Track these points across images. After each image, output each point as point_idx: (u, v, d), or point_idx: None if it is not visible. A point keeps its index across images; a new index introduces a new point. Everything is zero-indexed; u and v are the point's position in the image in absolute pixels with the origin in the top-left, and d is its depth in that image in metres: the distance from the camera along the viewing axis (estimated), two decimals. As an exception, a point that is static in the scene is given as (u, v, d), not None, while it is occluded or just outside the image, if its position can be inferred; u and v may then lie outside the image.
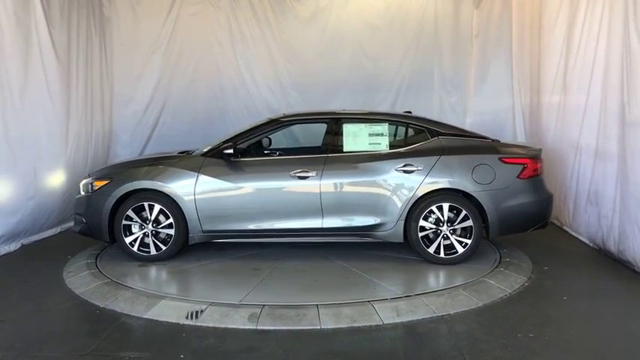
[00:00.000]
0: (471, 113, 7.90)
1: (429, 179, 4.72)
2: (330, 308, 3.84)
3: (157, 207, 4.86)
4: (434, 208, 4.72)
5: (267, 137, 5.70)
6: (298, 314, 3.77)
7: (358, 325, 3.67)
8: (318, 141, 5.18)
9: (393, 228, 4.78)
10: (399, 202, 4.73)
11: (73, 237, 5.50)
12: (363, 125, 5.01)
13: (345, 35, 7.82)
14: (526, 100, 7.36)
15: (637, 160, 4.53)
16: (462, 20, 7.83)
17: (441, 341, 3.46)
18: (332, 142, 5.01)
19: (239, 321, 3.71)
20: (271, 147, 5.91)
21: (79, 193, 5.16)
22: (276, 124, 5.20)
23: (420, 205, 4.73)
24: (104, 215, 4.87)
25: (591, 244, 5.49)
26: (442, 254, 4.75)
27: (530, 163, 4.79)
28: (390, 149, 4.91)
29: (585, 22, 5.54)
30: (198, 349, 3.38)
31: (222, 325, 3.67)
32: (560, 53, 6.15)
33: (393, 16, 7.81)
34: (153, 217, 4.88)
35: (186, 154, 5.19)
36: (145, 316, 3.84)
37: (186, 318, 3.76)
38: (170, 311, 3.87)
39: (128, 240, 4.92)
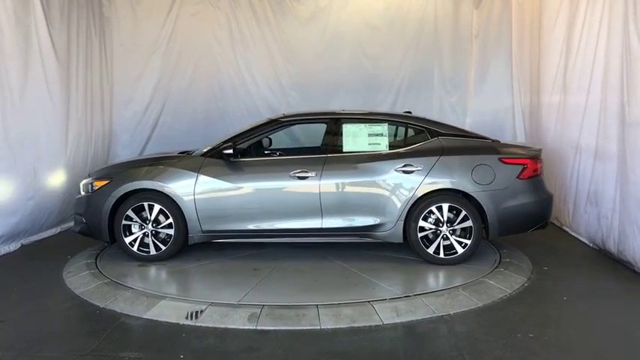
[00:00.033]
0: (471, 113, 7.90)
1: (428, 179, 4.72)
2: (329, 308, 3.84)
3: (157, 207, 4.86)
4: (433, 208, 4.72)
5: (267, 137, 5.70)
6: (298, 314, 3.77)
7: (358, 325, 3.67)
8: (319, 141, 5.17)
9: (393, 228, 4.78)
10: (399, 203, 4.73)
11: (73, 237, 5.51)
12: (362, 125, 5.01)
13: (345, 35, 7.82)
14: (526, 100, 7.36)
15: (637, 160, 4.53)
16: (461, 20, 7.83)
17: (441, 341, 3.46)
18: (332, 143, 5.01)
19: (239, 321, 3.71)
20: (271, 147, 5.91)
21: (79, 193, 5.17)
22: (276, 124, 5.20)
23: (420, 205, 4.73)
24: (104, 215, 4.87)
25: (591, 245, 5.49)
26: (442, 254, 4.75)
27: (530, 164, 4.79)
28: (389, 149, 4.90)
29: (585, 22, 5.54)
30: (198, 349, 3.38)
31: (222, 326, 3.67)
32: (560, 53, 6.15)
33: (393, 16, 7.82)
34: (152, 217, 4.88)
35: (186, 154, 5.19)
36: (145, 316, 3.84)
37: (186, 318, 3.76)
38: (170, 311, 3.87)
39: (128, 240, 4.92)
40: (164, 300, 4.03)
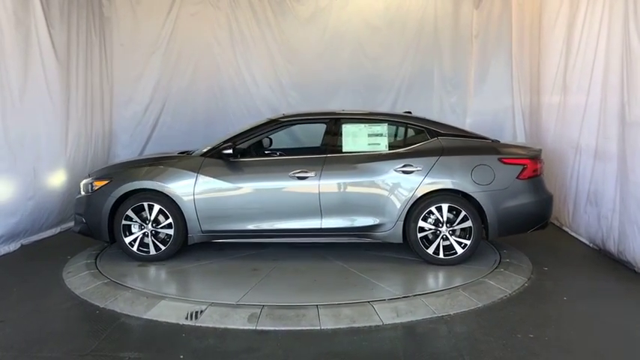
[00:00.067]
0: (471, 113, 7.90)
1: (428, 180, 4.71)
2: (329, 309, 3.84)
3: (157, 207, 4.86)
4: (433, 208, 4.72)
5: (267, 137, 5.70)
6: (298, 315, 3.77)
7: (358, 325, 3.66)
8: (320, 141, 5.17)
9: (392, 228, 4.78)
10: (398, 203, 4.73)
11: (73, 237, 5.51)
12: (362, 125, 5.00)
13: (345, 35, 7.82)
14: (526, 101, 7.36)
15: (637, 160, 4.53)
16: (461, 20, 7.83)
17: (441, 342, 3.46)
18: (331, 143, 5.01)
19: (239, 321, 3.71)
20: (272, 147, 5.91)
21: (79, 193, 5.17)
22: (276, 124, 5.20)
23: (420, 205, 4.73)
24: (104, 215, 4.87)
25: (591, 245, 5.49)
26: (441, 255, 4.75)
27: (530, 164, 4.78)
28: (389, 149, 4.90)
29: (585, 22, 5.54)
30: (197, 349, 3.38)
31: (222, 326, 3.67)
32: (560, 53, 6.15)
33: (393, 16, 7.82)
34: (152, 217, 4.88)
35: (186, 154, 5.19)
36: (145, 317, 3.84)
37: (186, 318, 3.76)
38: (170, 311, 3.87)
39: (128, 240, 4.92)
40: (164, 300, 4.03)
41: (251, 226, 4.86)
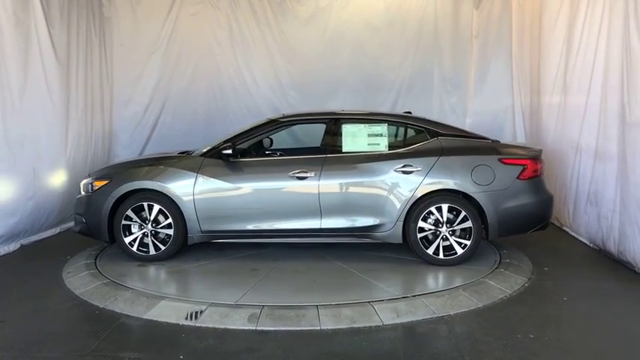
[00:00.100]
0: (471, 114, 7.90)
1: (428, 180, 4.71)
2: (329, 309, 3.84)
3: (156, 207, 4.86)
4: (433, 209, 4.71)
5: (267, 137, 5.69)
6: (298, 315, 3.77)
7: (358, 325, 3.66)
8: (320, 141, 5.16)
9: (392, 229, 4.77)
10: (398, 203, 4.73)
11: (73, 237, 5.51)
12: (362, 126, 5.00)
13: (345, 35, 7.82)
14: (526, 101, 7.36)
15: (637, 161, 4.52)
16: (461, 20, 7.83)
17: (441, 342, 3.46)
18: (331, 143, 5.00)
19: (239, 322, 3.71)
20: (272, 147, 5.90)
21: (79, 193, 5.17)
22: (276, 124, 5.20)
23: (419, 205, 4.72)
24: (103, 215, 4.87)
25: (591, 245, 5.48)
26: (441, 255, 4.74)
27: (530, 164, 4.77)
28: (389, 150, 4.90)
29: (585, 22, 5.54)
30: (197, 349, 3.38)
31: (222, 326, 3.67)
32: (560, 54, 6.14)
33: (393, 16, 7.82)
34: (152, 217, 4.88)
35: (186, 154, 5.19)
36: (145, 317, 3.83)
37: (186, 318, 3.76)
38: (170, 312, 3.87)
39: (127, 240, 4.92)
40: (164, 300, 4.03)
41: (250, 227, 4.86)
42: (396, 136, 5.23)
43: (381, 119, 5.07)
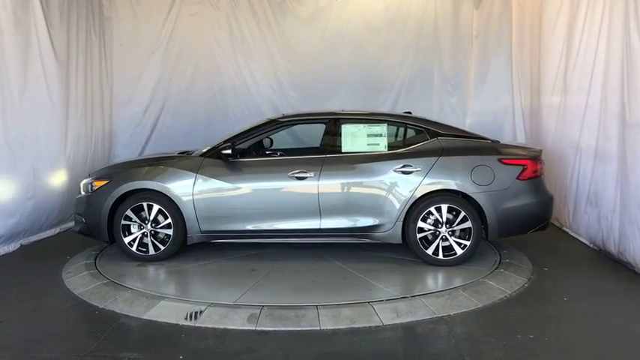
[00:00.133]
0: (471, 114, 7.90)
1: (427, 180, 4.71)
2: (329, 309, 3.84)
3: (156, 207, 4.86)
4: (432, 209, 4.71)
5: (267, 137, 5.69)
6: (297, 315, 3.77)
7: (358, 326, 3.66)
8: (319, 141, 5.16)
9: (392, 229, 4.77)
10: (398, 203, 4.73)
11: (72, 237, 5.51)
12: (361, 126, 4.99)
13: (345, 35, 7.82)
14: (526, 101, 7.36)
15: (637, 161, 4.52)
16: (461, 20, 7.83)
17: (441, 342, 3.46)
18: (330, 143, 5.00)
19: (238, 322, 3.71)
20: (272, 147, 5.90)
21: (79, 193, 5.17)
22: (275, 124, 5.20)
23: (419, 206, 4.72)
24: (103, 215, 4.87)
25: (591, 245, 5.48)
26: (441, 256, 4.74)
27: (530, 164, 4.77)
28: (388, 150, 4.90)
29: (586, 22, 5.54)
30: (197, 349, 3.37)
31: (222, 326, 3.67)
32: (560, 54, 6.14)
33: (393, 16, 7.82)
34: (152, 218, 4.88)
35: (185, 154, 5.19)
36: (144, 317, 3.83)
37: (186, 319, 3.76)
38: (169, 312, 3.86)
39: (127, 240, 4.92)
40: (163, 300, 4.02)
41: (250, 227, 4.86)
42: (395, 136, 5.23)
43: (380, 119, 5.07)
